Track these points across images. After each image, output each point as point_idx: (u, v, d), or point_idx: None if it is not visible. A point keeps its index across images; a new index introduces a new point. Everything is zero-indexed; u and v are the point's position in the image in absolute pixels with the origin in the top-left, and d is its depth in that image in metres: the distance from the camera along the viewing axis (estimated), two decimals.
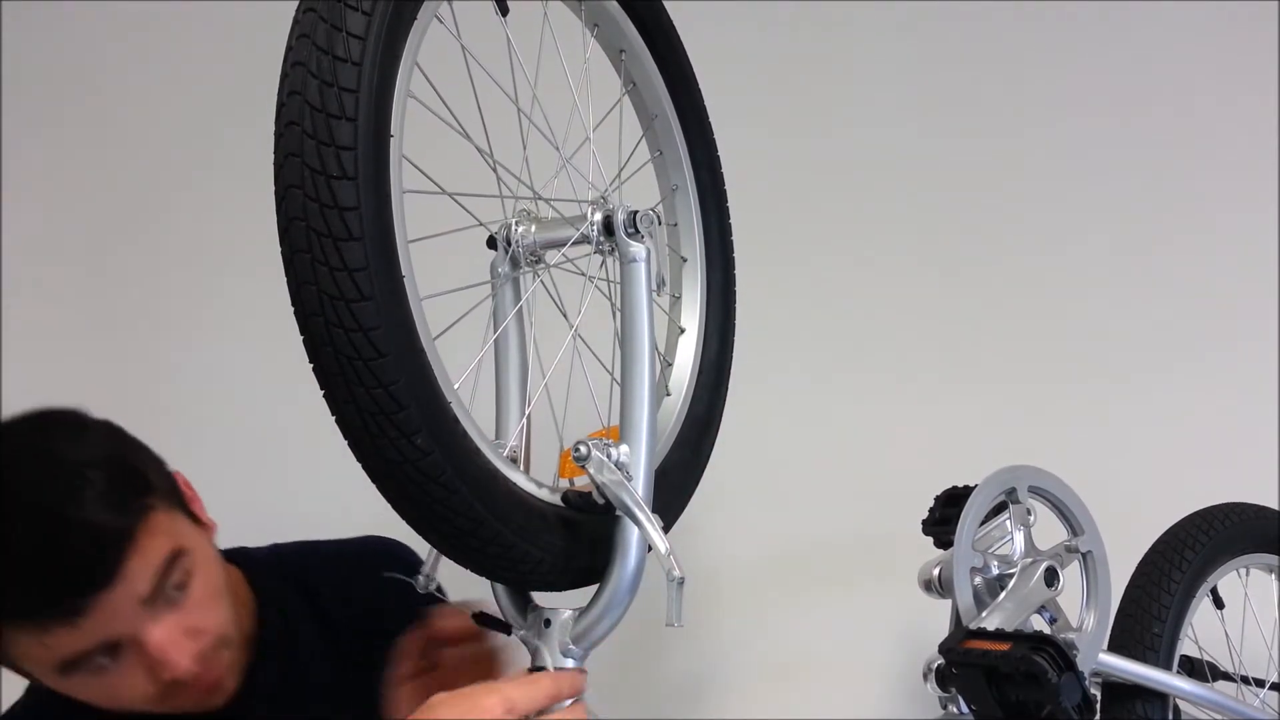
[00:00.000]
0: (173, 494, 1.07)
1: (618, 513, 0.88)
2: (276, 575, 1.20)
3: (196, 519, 1.10)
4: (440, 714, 0.82)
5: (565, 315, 1.00)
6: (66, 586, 0.96)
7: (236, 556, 1.18)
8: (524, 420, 0.95)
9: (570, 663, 0.89)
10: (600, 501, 0.88)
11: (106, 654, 1.00)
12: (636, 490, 0.88)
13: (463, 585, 0.98)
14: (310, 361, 0.74)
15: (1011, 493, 1.09)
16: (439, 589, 1.00)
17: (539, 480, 0.89)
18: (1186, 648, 1.23)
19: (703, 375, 1.10)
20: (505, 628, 0.94)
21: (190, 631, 1.03)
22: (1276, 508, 1.33)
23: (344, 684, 1.17)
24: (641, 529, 0.87)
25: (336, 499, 1.14)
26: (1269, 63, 1.70)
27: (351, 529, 1.19)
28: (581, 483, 0.91)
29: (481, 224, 0.96)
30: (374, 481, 0.77)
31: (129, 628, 0.99)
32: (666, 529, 1.00)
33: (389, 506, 0.79)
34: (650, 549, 0.87)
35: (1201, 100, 1.72)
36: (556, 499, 0.90)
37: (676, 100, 1.12)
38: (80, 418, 1.05)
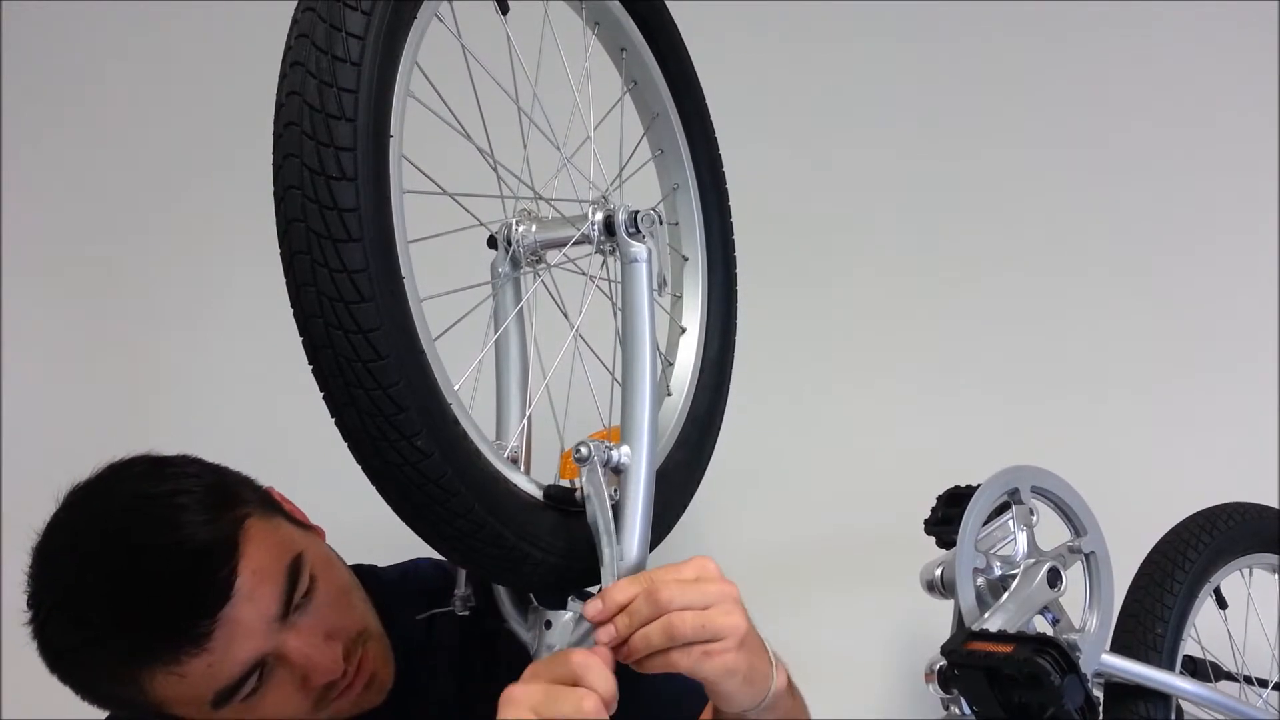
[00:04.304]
0: (267, 503, 1.06)
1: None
2: (401, 600, 1.17)
3: (302, 524, 1.10)
4: None
5: (566, 315, 1.00)
6: (184, 612, 0.95)
7: (364, 576, 1.15)
8: (525, 421, 0.94)
9: None
10: (580, 499, 0.88)
11: (254, 678, 0.99)
12: (636, 502, 0.88)
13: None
14: (310, 363, 0.74)
15: (1014, 493, 1.09)
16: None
17: (540, 482, 0.89)
18: (1189, 648, 1.23)
19: (704, 375, 1.10)
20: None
21: (329, 634, 1.02)
22: (1277, 507, 1.33)
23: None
24: (599, 554, 0.86)
25: (336, 501, 1.14)
26: (1269, 67, 1.70)
27: (350, 532, 1.19)
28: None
29: (482, 224, 0.96)
30: (374, 484, 0.77)
31: (267, 644, 0.98)
32: (667, 530, 1.01)
33: (389, 509, 0.79)
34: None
35: (1202, 103, 1.72)
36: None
37: (678, 98, 1.11)
38: (156, 456, 1.06)
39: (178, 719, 1.02)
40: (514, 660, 0.93)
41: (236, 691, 0.98)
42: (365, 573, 1.17)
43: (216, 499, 1.00)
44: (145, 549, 0.96)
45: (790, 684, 0.96)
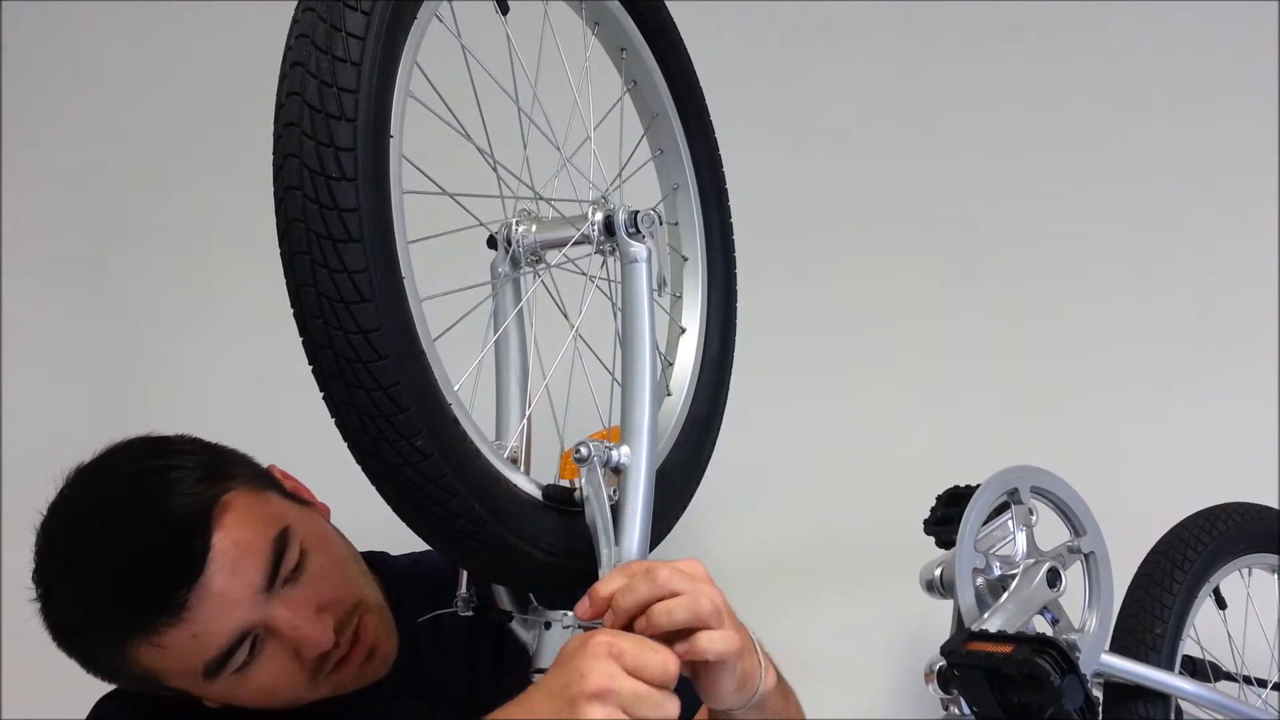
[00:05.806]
0: (260, 478, 1.07)
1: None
2: (413, 588, 1.17)
3: (300, 500, 1.10)
4: None
5: (566, 315, 1.00)
6: (159, 583, 0.95)
7: (375, 563, 1.15)
8: (525, 421, 0.94)
9: None
10: (579, 500, 0.88)
11: (245, 650, 0.99)
12: (635, 503, 0.87)
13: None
14: (309, 363, 0.74)
15: (1014, 493, 1.09)
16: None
17: (540, 482, 0.89)
18: (1189, 648, 1.23)
19: (704, 375, 1.10)
20: (506, 615, 0.94)
21: (321, 607, 1.02)
22: (1277, 507, 1.33)
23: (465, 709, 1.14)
24: (597, 555, 0.86)
25: (336, 501, 1.14)
26: (1269, 67, 1.70)
27: (349, 531, 1.19)
28: None
29: (482, 224, 0.96)
30: (374, 484, 0.77)
31: (253, 616, 0.98)
32: (667, 530, 1.01)
33: (389, 509, 0.79)
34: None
35: (1202, 103, 1.72)
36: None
37: (678, 98, 1.11)
38: (155, 436, 1.07)
39: (177, 690, 1.03)
40: (521, 653, 0.94)
41: (225, 663, 0.98)
42: (376, 559, 1.17)
43: (207, 474, 1.01)
44: (131, 522, 0.97)
45: (780, 681, 0.96)
